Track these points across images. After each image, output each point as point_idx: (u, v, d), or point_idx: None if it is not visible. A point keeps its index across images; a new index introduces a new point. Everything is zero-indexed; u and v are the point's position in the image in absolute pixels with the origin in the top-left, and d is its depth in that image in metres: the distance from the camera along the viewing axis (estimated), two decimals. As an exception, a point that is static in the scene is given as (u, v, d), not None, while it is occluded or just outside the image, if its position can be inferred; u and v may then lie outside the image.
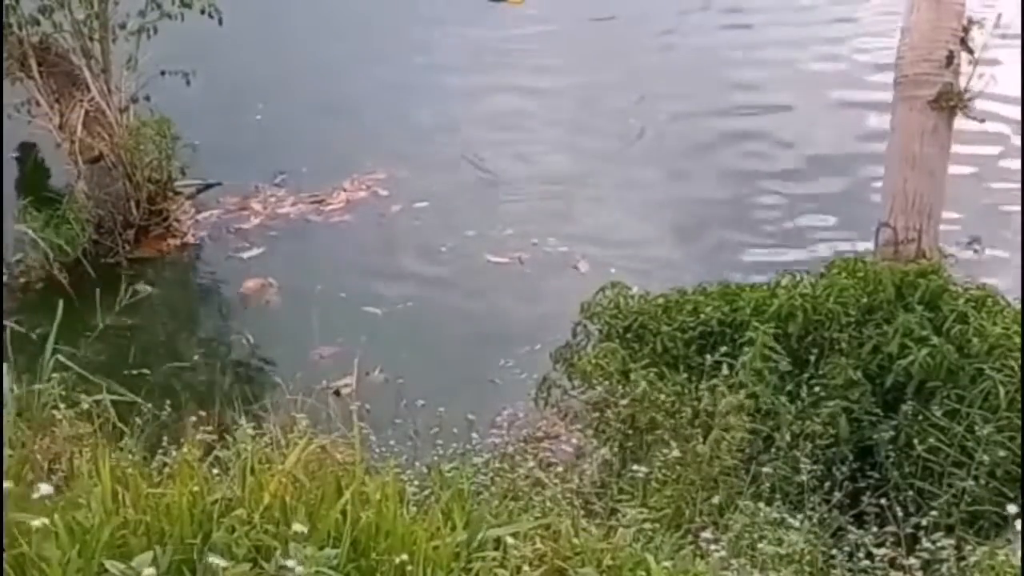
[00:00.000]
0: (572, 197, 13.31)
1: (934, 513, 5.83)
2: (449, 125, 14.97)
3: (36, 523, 3.11)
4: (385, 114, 15.21)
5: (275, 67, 15.96)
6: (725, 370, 7.05)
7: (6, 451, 3.89)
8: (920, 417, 6.89)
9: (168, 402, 5.32)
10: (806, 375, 7.24)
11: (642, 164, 13.87)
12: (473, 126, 14.96)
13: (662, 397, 6.80)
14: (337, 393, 7.74)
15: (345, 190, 13.55)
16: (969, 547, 5.28)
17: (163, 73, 12.55)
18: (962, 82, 9.05)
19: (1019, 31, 10.87)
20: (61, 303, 5.20)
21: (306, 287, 11.67)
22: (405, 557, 3.44)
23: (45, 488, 3.20)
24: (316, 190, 13.56)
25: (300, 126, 14.85)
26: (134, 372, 6.79)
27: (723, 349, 7.33)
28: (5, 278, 11.66)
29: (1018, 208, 11.16)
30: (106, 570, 3.14)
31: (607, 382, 7.10)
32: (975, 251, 9.63)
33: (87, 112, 12.49)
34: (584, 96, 15.36)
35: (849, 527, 5.82)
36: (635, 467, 5.89)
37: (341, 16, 17.36)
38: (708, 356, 7.24)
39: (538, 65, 16.24)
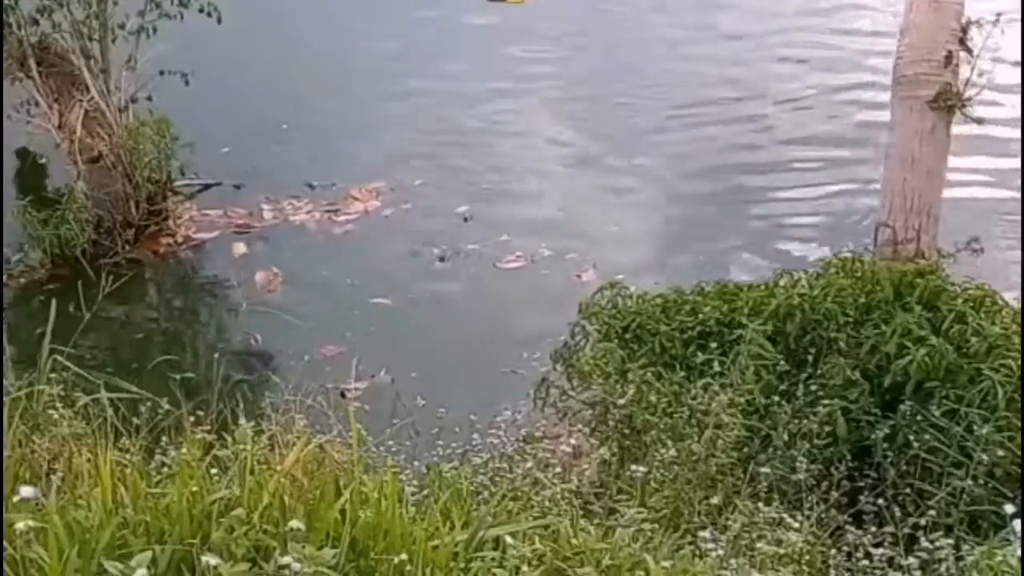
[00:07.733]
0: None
1: (932, 513, 5.83)
2: (460, 130, 14.95)
3: (20, 525, 3.10)
4: (392, 119, 15.20)
5: (290, 72, 15.93)
6: (717, 367, 7.06)
7: (6, 451, 3.90)
8: (918, 417, 6.88)
9: (166, 400, 5.30)
10: (804, 375, 7.24)
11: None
12: (483, 131, 14.95)
13: (653, 398, 6.80)
14: (343, 395, 7.72)
15: (357, 198, 13.54)
16: (967, 547, 5.28)
17: (161, 73, 12.55)
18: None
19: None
20: (54, 303, 5.19)
21: (311, 285, 11.70)
22: (404, 557, 3.45)
23: (26, 491, 3.17)
24: (329, 197, 13.56)
25: (314, 133, 14.84)
26: (133, 369, 6.77)
27: (714, 346, 7.34)
28: (5, 278, 11.66)
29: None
30: (105, 570, 3.14)
31: (605, 382, 7.10)
32: (974, 251, 9.61)
33: (86, 112, 12.49)
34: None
35: (847, 527, 5.81)
36: (633, 467, 5.89)
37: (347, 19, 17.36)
38: (705, 355, 7.24)
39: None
